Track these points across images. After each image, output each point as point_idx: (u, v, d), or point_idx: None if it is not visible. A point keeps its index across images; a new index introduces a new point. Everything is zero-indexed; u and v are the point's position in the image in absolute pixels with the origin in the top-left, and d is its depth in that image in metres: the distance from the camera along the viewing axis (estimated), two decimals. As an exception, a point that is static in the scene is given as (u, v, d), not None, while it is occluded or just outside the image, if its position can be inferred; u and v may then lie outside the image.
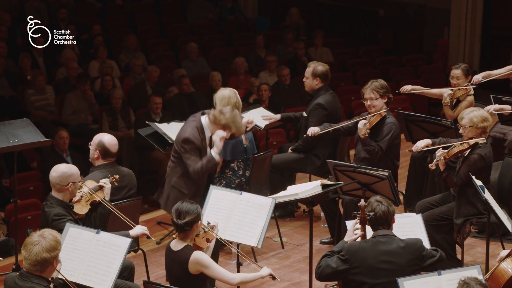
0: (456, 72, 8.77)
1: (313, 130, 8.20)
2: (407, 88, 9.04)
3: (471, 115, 7.12)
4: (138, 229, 6.41)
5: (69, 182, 6.30)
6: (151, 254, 7.93)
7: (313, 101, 8.59)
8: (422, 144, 7.48)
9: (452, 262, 7.26)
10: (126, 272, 6.47)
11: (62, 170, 6.33)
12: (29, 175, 10.21)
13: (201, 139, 7.56)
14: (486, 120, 7.12)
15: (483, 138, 7.12)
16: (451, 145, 7.17)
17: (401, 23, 16.07)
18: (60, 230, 6.10)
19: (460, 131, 7.22)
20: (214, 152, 7.53)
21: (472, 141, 7.08)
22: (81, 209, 6.49)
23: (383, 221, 5.75)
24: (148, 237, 6.47)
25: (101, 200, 6.54)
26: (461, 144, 7.12)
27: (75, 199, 6.46)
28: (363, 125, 7.79)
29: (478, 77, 9.09)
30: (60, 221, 6.19)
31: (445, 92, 8.86)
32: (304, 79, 8.74)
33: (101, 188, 6.64)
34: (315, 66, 8.60)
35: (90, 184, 6.62)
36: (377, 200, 5.80)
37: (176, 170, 7.70)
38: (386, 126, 7.83)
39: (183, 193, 7.62)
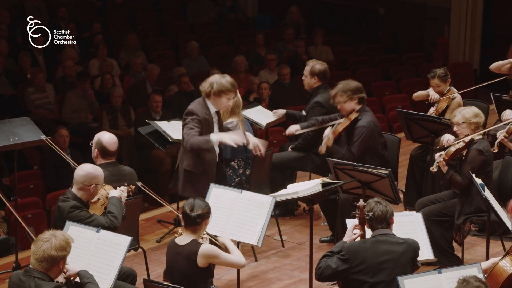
0: (434, 81, 8.61)
1: (289, 130, 8.24)
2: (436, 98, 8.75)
3: (463, 111, 7.21)
4: (118, 191, 6.49)
5: (92, 184, 6.31)
6: (151, 253, 7.93)
7: (311, 100, 8.59)
8: (449, 139, 7.48)
9: (450, 259, 7.27)
10: (129, 279, 6.48)
11: (88, 170, 6.34)
12: (29, 174, 10.22)
13: (205, 113, 7.40)
14: (478, 115, 7.18)
15: (479, 134, 7.15)
16: (448, 147, 7.20)
17: (401, 22, 16.07)
18: (79, 219, 6.16)
19: (454, 129, 7.25)
20: (215, 137, 7.29)
21: (467, 138, 7.13)
22: (96, 211, 6.49)
23: (382, 220, 5.75)
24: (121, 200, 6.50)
25: None
26: (457, 143, 7.15)
27: (92, 200, 6.48)
28: (326, 136, 7.82)
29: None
30: (77, 210, 6.23)
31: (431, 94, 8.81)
32: (303, 78, 8.74)
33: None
34: (313, 65, 8.59)
35: (108, 188, 6.63)
36: (375, 201, 5.83)
37: (186, 152, 7.47)
38: (357, 130, 7.77)
39: (195, 173, 7.43)
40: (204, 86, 7.44)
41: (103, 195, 6.51)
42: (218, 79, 7.43)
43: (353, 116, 7.79)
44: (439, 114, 8.55)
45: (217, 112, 7.54)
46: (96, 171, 6.37)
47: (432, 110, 8.63)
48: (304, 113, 8.67)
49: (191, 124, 7.32)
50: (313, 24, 16.57)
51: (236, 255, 5.97)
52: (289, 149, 8.82)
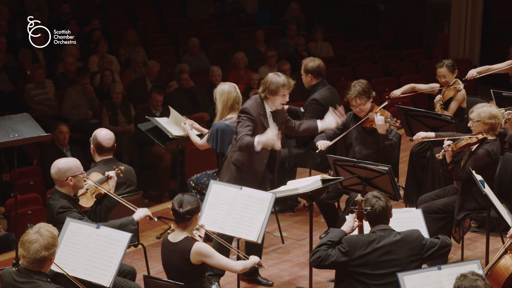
0: (442, 70, 8.70)
1: (324, 144, 7.89)
2: (396, 93, 8.94)
3: (480, 110, 7.16)
4: (140, 212, 6.45)
5: (67, 177, 6.29)
6: (151, 249, 7.93)
7: (309, 97, 8.59)
8: (422, 134, 7.51)
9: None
10: (129, 277, 6.49)
11: (58, 165, 6.33)
12: (29, 170, 10.22)
13: (259, 113, 7.36)
14: (494, 117, 7.13)
15: (493, 135, 7.12)
16: (459, 138, 7.19)
17: (401, 18, 16.05)
18: None
19: (469, 124, 7.25)
20: (257, 140, 7.16)
21: (481, 136, 7.11)
22: (87, 202, 6.49)
23: (383, 217, 5.76)
24: (151, 218, 6.51)
25: (107, 192, 6.54)
26: (469, 137, 7.14)
27: (80, 191, 6.46)
28: (382, 120, 7.70)
29: (473, 73, 9.05)
30: (66, 213, 6.20)
31: (435, 87, 8.84)
32: (302, 76, 8.76)
33: (106, 180, 6.65)
34: (306, 63, 8.58)
35: (95, 176, 6.62)
36: (375, 196, 5.80)
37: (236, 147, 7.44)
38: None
39: (242, 169, 7.39)
40: (261, 88, 7.41)
41: (91, 185, 6.50)
42: (272, 79, 7.39)
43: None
44: (444, 102, 8.60)
45: (273, 113, 7.45)
46: (67, 164, 6.34)
47: (438, 97, 8.65)
48: (302, 110, 8.67)
49: (244, 123, 7.27)
50: (313, 20, 16.55)
51: (236, 262, 5.97)
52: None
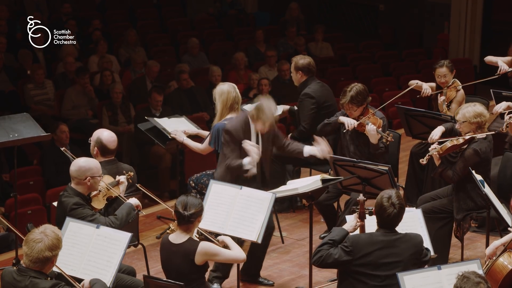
0: (442, 70, 8.65)
1: (351, 125, 7.84)
2: (428, 92, 8.81)
3: (464, 110, 7.17)
4: (134, 199, 6.54)
5: (86, 177, 6.32)
6: (151, 249, 7.94)
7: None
8: (437, 135, 7.41)
9: (442, 255, 7.23)
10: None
11: (80, 164, 6.36)
12: (29, 170, 10.21)
13: (243, 131, 7.33)
14: (480, 115, 7.12)
15: (482, 133, 7.11)
16: (445, 140, 7.18)
17: (401, 18, 16.06)
18: (82, 217, 6.20)
19: (457, 126, 7.25)
20: (246, 160, 7.23)
21: (467, 136, 7.11)
22: (99, 203, 6.53)
23: (393, 224, 5.72)
24: (139, 210, 6.56)
25: (118, 195, 6.60)
26: (456, 139, 7.14)
27: (93, 193, 6.50)
28: (374, 130, 7.67)
29: (505, 67, 8.98)
30: (80, 208, 6.26)
31: (433, 87, 8.81)
32: (291, 75, 8.79)
33: (117, 184, 6.69)
34: (297, 60, 8.63)
35: (107, 179, 6.65)
36: (392, 204, 5.66)
37: (223, 163, 7.47)
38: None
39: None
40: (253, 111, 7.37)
41: (103, 187, 6.53)
42: (262, 107, 7.33)
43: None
44: (448, 102, 8.60)
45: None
46: (88, 164, 6.37)
47: (442, 99, 8.62)
48: (296, 108, 8.70)
49: (230, 144, 7.30)
50: (313, 20, 16.56)
51: (235, 250, 5.97)
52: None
